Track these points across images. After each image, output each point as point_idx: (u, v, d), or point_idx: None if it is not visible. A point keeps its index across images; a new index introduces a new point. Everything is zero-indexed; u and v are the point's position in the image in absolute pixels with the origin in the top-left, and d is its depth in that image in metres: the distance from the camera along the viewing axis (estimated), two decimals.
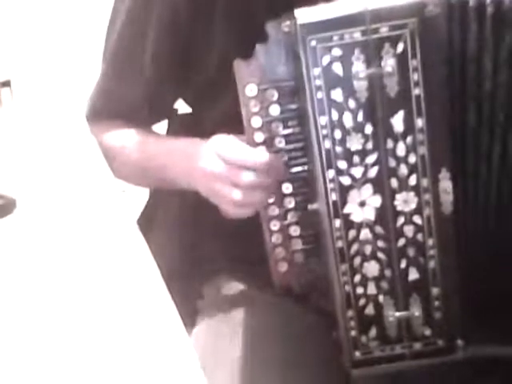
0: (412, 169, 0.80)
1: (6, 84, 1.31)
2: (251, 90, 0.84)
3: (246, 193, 0.86)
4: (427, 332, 0.85)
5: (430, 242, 0.82)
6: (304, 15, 0.77)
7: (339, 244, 0.82)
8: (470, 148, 0.82)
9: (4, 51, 1.38)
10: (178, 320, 0.77)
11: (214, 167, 0.88)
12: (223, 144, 0.88)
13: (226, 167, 0.87)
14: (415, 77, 0.78)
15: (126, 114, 1.01)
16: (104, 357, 0.72)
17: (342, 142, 0.79)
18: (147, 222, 1.02)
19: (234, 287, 1.01)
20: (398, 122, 0.79)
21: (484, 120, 0.81)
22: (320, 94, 0.78)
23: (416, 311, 0.84)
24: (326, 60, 0.77)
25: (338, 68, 0.77)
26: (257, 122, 0.85)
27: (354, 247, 0.82)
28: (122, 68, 1.01)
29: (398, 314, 0.83)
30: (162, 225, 1.05)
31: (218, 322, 0.98)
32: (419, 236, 0.82)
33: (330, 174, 0.80)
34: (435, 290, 0.83)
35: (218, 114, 0.97)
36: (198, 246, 1.02)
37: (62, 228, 0.90)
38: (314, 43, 0.77)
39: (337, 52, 0.77)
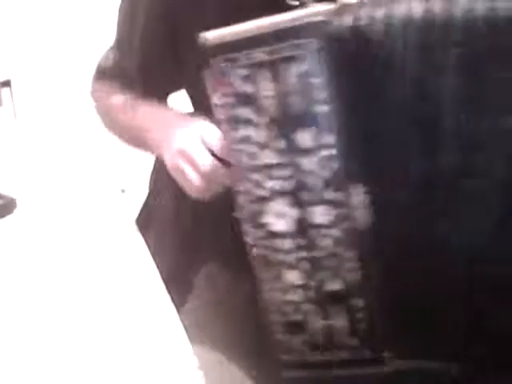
0: (326, 183, 0.81)
1: (6, 84, 1.37)
2: (217, 98, 0.89)
3: (205, 180, 0.90)
4: (354, 342, 0.86)
5: (349, 254, 0.83)
6: (213, 36, 0.81)
7: (263, 252, 0.86)
8: (391, 161, 0.81)
9: (4, 51, 1.42)
10: (177, 318, 0.82)
11: (187, 146, 0.92)
12: (205, 128, 0.92)
13: (196, 150, 0.91)
14: (322, 94, 0.79)
15: (125, 82, 1.08)
16: (103, 355, 0.75)
17: (257, 156, 0.82)
18: (145, 221, 1.09)
19: (224, 277, 1.07)
20: (308, 137, 0.80)
21: (406, 131, 0.80)
22: (232, 111, 0.82)
23: (340, 321, 0.85)
24: (234, 79, 0.81)
25: (246, 86, 0.81)
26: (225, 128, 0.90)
27: (277, 256, 0.85)
28: (120, 42, 1.10)
29: (322, 322, 0.86)
30: (160, 219, 1.12)
31: (206, 310, 1.05)
32: (338, 249, 0.83)
33: (248, 185, 0.84)
34: (358, 302, 0.84)
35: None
36: (191, 236, 1.08)
37: (61, 228, 0.95)
38: (222, 63, 0.80)
39: (244, 71, 0.80)
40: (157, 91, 1.09)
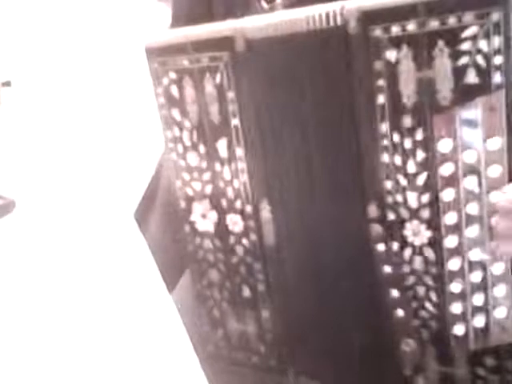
0: (237, 193, 0.82)
1: (6, 84, 1.33)
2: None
3: None
4: (262, 349, 0.87)
5: (258, 265, 0.84)
6: (151, 40, 0.83)
7: (190, 248, 0.89)
8: (290, 181, 0.79)
9: (5, 51, 1.39)
10: (176, 313, 0.82)
11: None
12: None
13: None
14: (232, 107, 0.79)
15: None
16: (103, 354, 0.75)
17: (184, 156, 0.85)
18: (144, 213, 1.05)
19: None
20: (222, 147, 0.81)
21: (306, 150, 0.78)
22: (164, 111, 0.85)
23: (251, 326, 0.87)
24: (165, 81, 0.83)
25: (174, 90, 0.83)
26: None
27: (200, 253, 0.88)
28: None
29: (236, 324, 0.88)
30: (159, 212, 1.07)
31: None
32: (248, 258, 0.84)
33: (178, 183, 0.87)
34: (265, 312, 0.85)
35: None
36: None
37: (60, 227, 0.94)
38: (155, 65, 0.83)
39: (172, 75, 0.82)
40: None
